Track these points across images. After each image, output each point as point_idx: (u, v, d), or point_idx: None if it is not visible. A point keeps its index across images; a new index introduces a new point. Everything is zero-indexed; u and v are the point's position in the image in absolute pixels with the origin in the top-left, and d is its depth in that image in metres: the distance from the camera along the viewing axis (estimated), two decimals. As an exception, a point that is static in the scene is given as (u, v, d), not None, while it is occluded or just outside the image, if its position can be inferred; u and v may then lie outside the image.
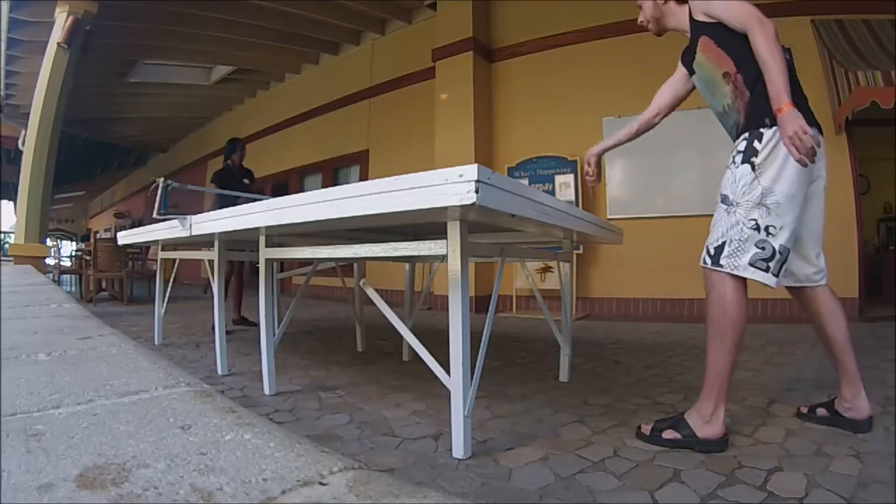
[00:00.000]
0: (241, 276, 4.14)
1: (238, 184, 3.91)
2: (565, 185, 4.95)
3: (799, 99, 1.36)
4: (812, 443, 1.41)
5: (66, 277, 9.01)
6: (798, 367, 2.42)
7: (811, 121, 1.38)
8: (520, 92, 5.60)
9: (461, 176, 1.00)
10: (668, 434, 1.42)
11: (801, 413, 1.65)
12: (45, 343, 1.56)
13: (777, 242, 1.36)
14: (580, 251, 4.82)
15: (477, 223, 1.43)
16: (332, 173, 7.66)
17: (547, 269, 4.90)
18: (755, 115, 1.39)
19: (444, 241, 1.30)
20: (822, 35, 4.24)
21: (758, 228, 1.36)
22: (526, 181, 5.00)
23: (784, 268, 1.39)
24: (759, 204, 1.36)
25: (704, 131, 4.57)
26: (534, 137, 5.35)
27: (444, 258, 1.31)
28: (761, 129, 1.37)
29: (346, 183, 2.99)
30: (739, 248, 1.37)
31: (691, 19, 1.54)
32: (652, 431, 1.45)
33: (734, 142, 1.49)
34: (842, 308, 1.57)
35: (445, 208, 1.06)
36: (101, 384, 1.08)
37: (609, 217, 4.84)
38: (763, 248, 1.36)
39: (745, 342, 3.07)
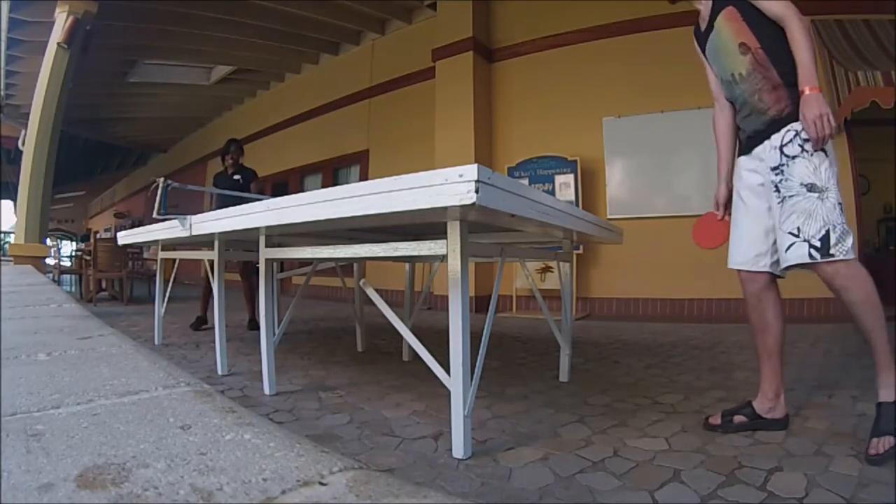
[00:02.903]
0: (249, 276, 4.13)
1: (230, 183, 3.92)
2: (565, 185, 4.95)
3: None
4: (812, 443, 1.41)
5: (66, 277, 9.01)
6: (798, 367, 2.42)
7: None
8: (520, 92, 5.60)
9: (461, 176, 1.00)
10: None
11: (710, 425, 1.55)
12: (45, 343, 1.56)
13: None
14: (580, 251, 4.82)
15: (477, 223, 1.43)
16: (332, 173, 7.66)
17: (547, 269, 4.90)
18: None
19: (444, 241, 1.30)
20: (822, 35, 4.24)
21: (842, 211, 1.37)
22: (526, 181, 5.00)
23: None
24: (837, 186, 1.38)
25: (704, 131, 4.57)
26: (534, 137, 5.36)
27: (444, 258, 1.31)
28: None
29: (346, 183, 2.99)
30: (845, 232, 1.35)
31: None
32: (884, 451, 1.24)
33: (744, 110, 1.54)
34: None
35: (445, 208, 1.06)
36: (101, 384, 1.08)
37: (609, 217, 4.84)
38: (849, 231, 1.37)
39: (744, 342, 3.09)
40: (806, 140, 1.39)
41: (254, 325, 3.86)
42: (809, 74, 1.35)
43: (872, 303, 1.35)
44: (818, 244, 1.35)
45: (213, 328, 3.67)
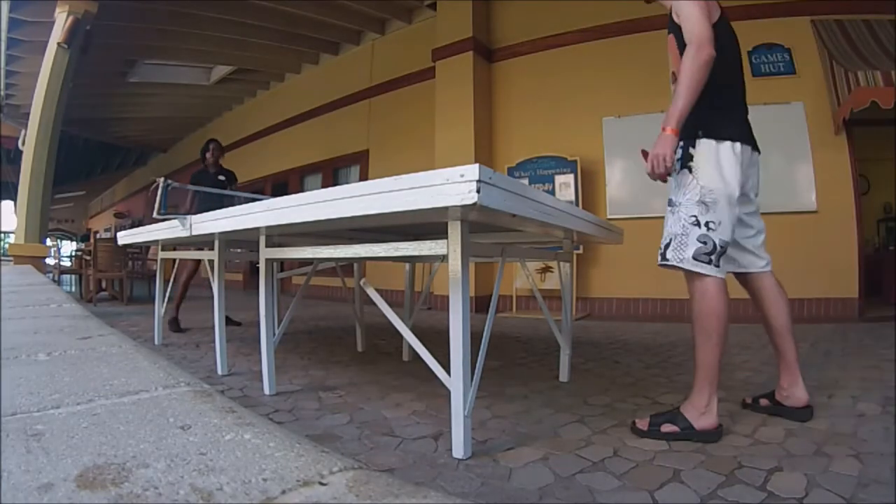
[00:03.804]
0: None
1: (213, 182, 3.90)
2: (565, 185, 4.95)
3: (732, 109, 1.54)
4: (812, 443, 1.41)
5: (66, 277, 9.01)
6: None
7: (743, 130, 1.53)
8: (520, 92, 5.60)
9: (462, 176, 1.00)
10: (667, 428, 1.46)
11: (745, 403, 1.75)
12: (45, 343, 1.56)
13: (717, 237, 1.46)
14: (580, 251, 4.81)
15: (477, 223, 1.43)
16: (332, 173, 7.66)
17: (547, 269, 4.90)
18: (689, 127, 1.48)
19: (445, 240, 1.30)
20: (822, 35, 4.25)
21: (698, 224, 1.47)
22: (526, 181, 5.00)
23: (722, 259, 1.50)
24: (699, 202, 1.47)
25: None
26: (534, 137, 5.35)
27: (444, 258, 1.31)
28: (696, 139, 1.50)
29: (346, 183, 2.99)
30: (682, 243, 1.49)
31: (670, 14, 1.59)
32: (650, 426, 1.48)
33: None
34: (785, 298, 1.67)
35: (446, 208, 1.06)
36: (101, 384, 1.08)
37: (609, 217, 4.84)
38: (705, 243, 1.46)
39: (746, 342, 3.09)
40: (678, 160, 1.51)
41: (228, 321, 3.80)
42: (672, 114, 1.42)
43: (703, 322, 1.47)
44: (662, 248, 1.55)
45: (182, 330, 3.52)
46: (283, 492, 0.61)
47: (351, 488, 0.63)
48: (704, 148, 1.48)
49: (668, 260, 1.52)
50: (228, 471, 0.66)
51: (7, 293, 3.17)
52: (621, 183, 5.02)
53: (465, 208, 1.05)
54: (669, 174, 1.47)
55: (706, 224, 1.46)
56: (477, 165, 0.99)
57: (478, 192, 0.99)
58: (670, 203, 1.55)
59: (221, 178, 4.04)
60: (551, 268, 4.85)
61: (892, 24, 4.12)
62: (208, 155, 4.14)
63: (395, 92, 6.70)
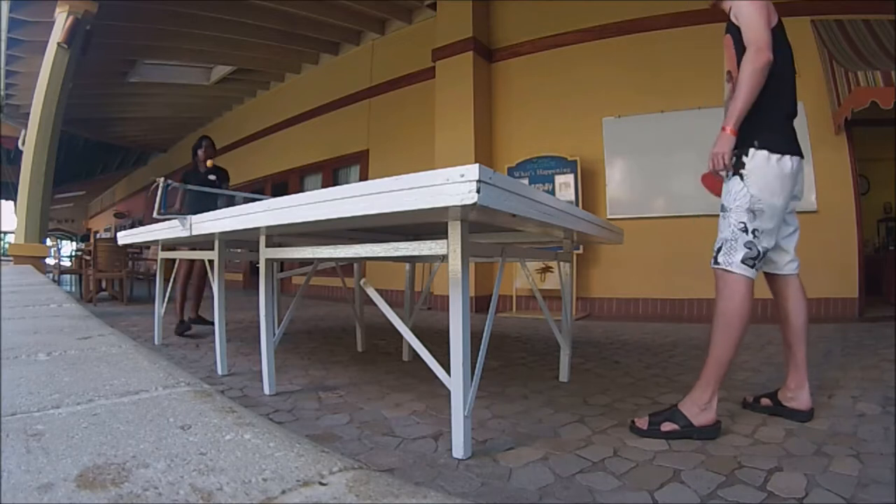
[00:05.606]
0: (202, 275, 3.77)
1: (202, 181, 3.71)
2: (565, 185, 4.95)
3: (784, 118, 1.56)
4: (812, 443, 1.41)
5: (66, 277, 9.01)
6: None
7: (792, 141, 1.55)
8: (520, 92, 5.60)
9: (462, 176, 1.00)
10: (666, 426, 1.47)
11: (745, 402, 1.77)
12: (45, 343, 1.56)
13: (761, 245, 1.53)
14: (580, 251, 4.82)
15: (477, 223, 1.43)
16: (332, 173, 7.66)
17: (547, 269, 4.90)
18: (745, 137, 1.53)
19: (445, 240, 1.30)
20: (822, 35, 4.24)
21: (746, 231, 1.53)
22: (526, 181, 5.00)
23: (762, 264, 1.58)
24: (749, 210, 1.52)
25: (704, 131, 4.57)
26: (534, 137, 5.35)
27: (444, 258, 1.31)
28: (750, 148, 1.53)
29: (346, 183, 2.99)
30: (732, 248, 1.54)
31: (728, 15, 1.63)
32: (649, 425, 1.49)
33: None
34: (806, 300, 1.71)
35: (446, 208, 1.06)
36: (101, 384, 1.08)
37: (609, 217, 4.84)
38: (750, 249, 1.52)
39: (746, 342, 3.06)
40: (732, 166, 1.56)
41: (196, 321, 3.66)
42: (731, 115, 1.48)
43: (727, 321, 1.51)
44: (715, 252, 1.59)
45: (211, 324, 3.52)
46: (283, 492, 0.61)
47: (351, 488, 0.63)
48: (759, 160, 1.51)
49: (719, 264, 1.56)
50: (228, 471, 0.66)
51: (7, 293, 3.17)
52: (621, 183, 5.02)
53: (465, 208, 1.05)
54: (727, 171, 1.52)
55: (753, 231, 1.52)
56: (477, 165, 0.99)
57: (478, 192, 0.99)
58: (723, 208, 1.60)
59: (212, 177, 3.85)
60: (551, 268, 4.85)
61: (892, 24, 4.12)
62: (200, 153, 3.90)
63: (395, 92, 6.70)
